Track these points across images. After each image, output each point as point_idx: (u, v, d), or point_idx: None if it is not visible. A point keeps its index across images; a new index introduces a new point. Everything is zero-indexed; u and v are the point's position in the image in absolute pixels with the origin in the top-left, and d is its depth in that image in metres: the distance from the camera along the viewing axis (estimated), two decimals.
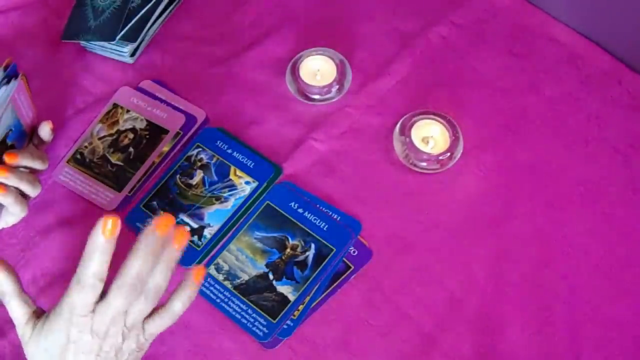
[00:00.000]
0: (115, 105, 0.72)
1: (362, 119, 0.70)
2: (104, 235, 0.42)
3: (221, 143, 0.69)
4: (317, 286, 0.61)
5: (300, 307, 0.60)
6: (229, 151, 0.68)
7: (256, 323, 0.60)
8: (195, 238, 0.64)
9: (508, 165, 0.67)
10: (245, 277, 0.62)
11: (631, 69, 0.71)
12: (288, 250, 0.63)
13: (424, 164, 0.66)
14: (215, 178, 0.67)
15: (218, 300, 0.61)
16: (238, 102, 0.72)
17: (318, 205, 0.65)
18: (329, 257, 0.62)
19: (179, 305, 0.46)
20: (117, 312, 0.44)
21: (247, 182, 0.66)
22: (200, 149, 0.69)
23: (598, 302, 0.60)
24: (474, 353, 0.58)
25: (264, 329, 0.59)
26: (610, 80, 0.71)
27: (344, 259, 0.62)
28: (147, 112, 0.71)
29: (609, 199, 0.65)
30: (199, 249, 0.64)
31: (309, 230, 0.63)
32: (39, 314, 0.48)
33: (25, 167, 0.58)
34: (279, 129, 0.70)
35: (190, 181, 0.67)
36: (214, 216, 0.65)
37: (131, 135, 0.70)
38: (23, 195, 0.58)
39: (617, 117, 0.69)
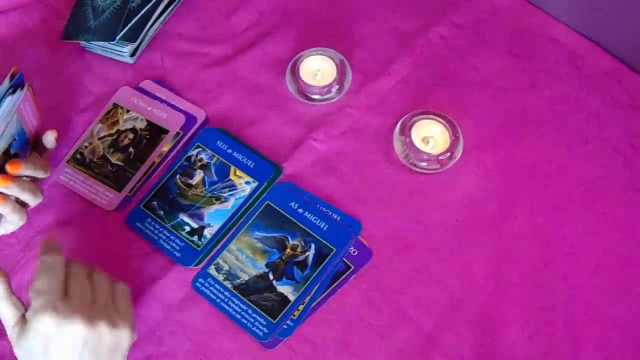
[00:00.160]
0: (116, 105, 0.72)
1: (362, 119, 0.70)
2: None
3: (221, 143, 0.69)
4: (317, 286, 0.61)
5: (301, 307, 0.60)
6: (229, 151, 0.68)
7: (256, 323, 0.60)
8: (196, 238, 0.64)
9: (508, 165, 0.67)
10: (245, 277, 0.62)
11: (631, 69, 0.71)
12: (288, 250, 0.63)
13: (424, 164, 0.66)
14: (215, 178, 0.67)
15: (218, 300, 0.61)
16: (238, 102, 0.72)
17: (318, 205, 0.65)
18: (329, 257, 0.62)
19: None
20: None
21: (247, 182, 0.66)
22: (200, 149, 0.69)
23: (598, 302, 0.60)
24: (474, 353, 0.58)
25: (264, 329, 0.59)
26: (610, 80, 0.71)
27: (344, 259, 0.62)
28: (147, 112, 0.71)
29: (609, 198, 0.65)
30: (199, 249, 0.64)
31: (309, 230, 0.63)
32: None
33: (27, 176, 0.57)
34: (279, 129, 0.70)
35: (190, 181, 0.67)
36: (214, 216, 0.65)
37: (131, 135, 0.70)
38: (22, 203, 0.57)
39: (617, 117, 0.69)
